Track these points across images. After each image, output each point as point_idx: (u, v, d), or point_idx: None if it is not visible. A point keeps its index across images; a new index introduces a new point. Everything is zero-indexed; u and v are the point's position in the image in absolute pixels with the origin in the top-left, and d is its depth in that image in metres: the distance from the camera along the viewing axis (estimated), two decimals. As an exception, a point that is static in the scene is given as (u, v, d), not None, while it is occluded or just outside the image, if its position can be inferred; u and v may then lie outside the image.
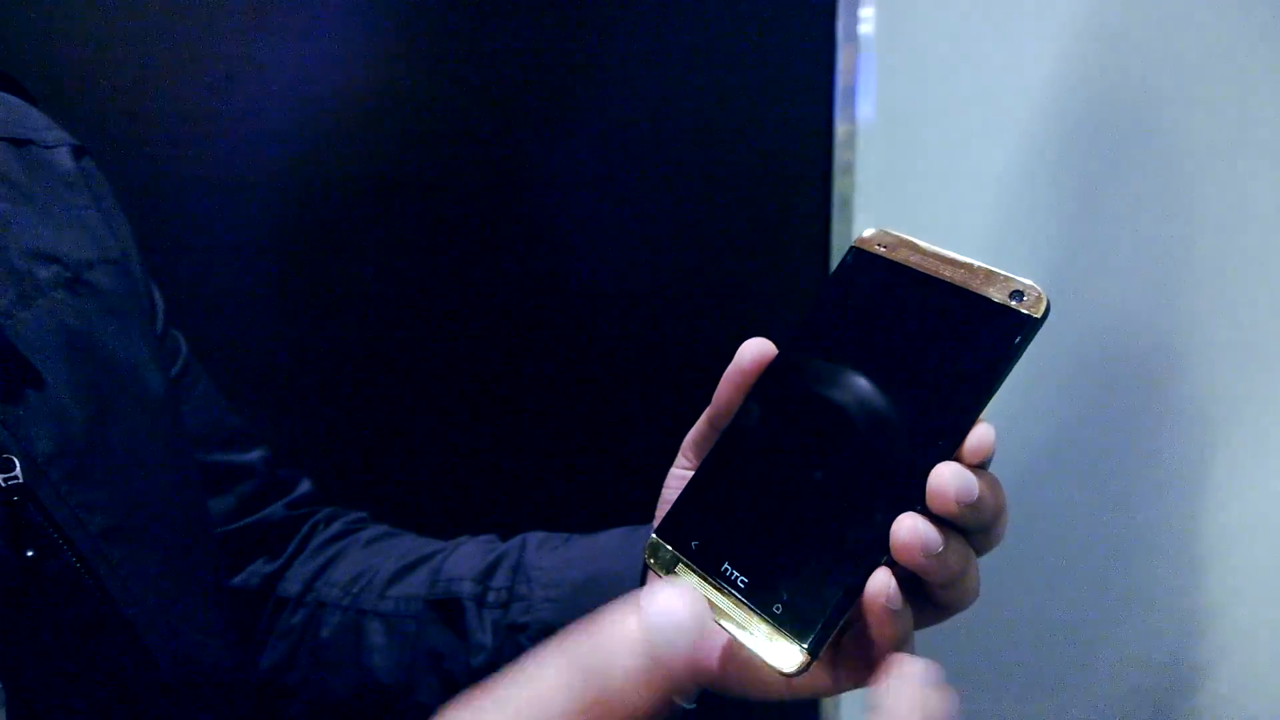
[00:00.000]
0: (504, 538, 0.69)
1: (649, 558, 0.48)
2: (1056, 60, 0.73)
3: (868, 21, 1.00)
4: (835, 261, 1.04)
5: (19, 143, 0.60)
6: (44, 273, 0.55)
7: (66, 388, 0.53)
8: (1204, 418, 0.63)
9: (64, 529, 0.50)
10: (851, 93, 1.02)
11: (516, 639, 0.61)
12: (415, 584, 0.66)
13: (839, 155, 1.03)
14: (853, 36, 1.01)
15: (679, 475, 0.53)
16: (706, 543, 0.46)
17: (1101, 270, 0.71)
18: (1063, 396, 0.71)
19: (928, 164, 0.93)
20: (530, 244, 1.03)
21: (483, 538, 0.69)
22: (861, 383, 0.45)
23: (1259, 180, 0.61)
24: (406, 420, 1.06)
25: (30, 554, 0.48)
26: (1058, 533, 0.73)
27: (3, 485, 0.48)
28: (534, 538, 0.66)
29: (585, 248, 1.04)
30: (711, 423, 0.50)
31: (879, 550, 0.41)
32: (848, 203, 1.03)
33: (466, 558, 0.66)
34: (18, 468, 0.49)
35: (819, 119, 1.03)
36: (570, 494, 1.09)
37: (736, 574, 0.44)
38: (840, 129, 1.03)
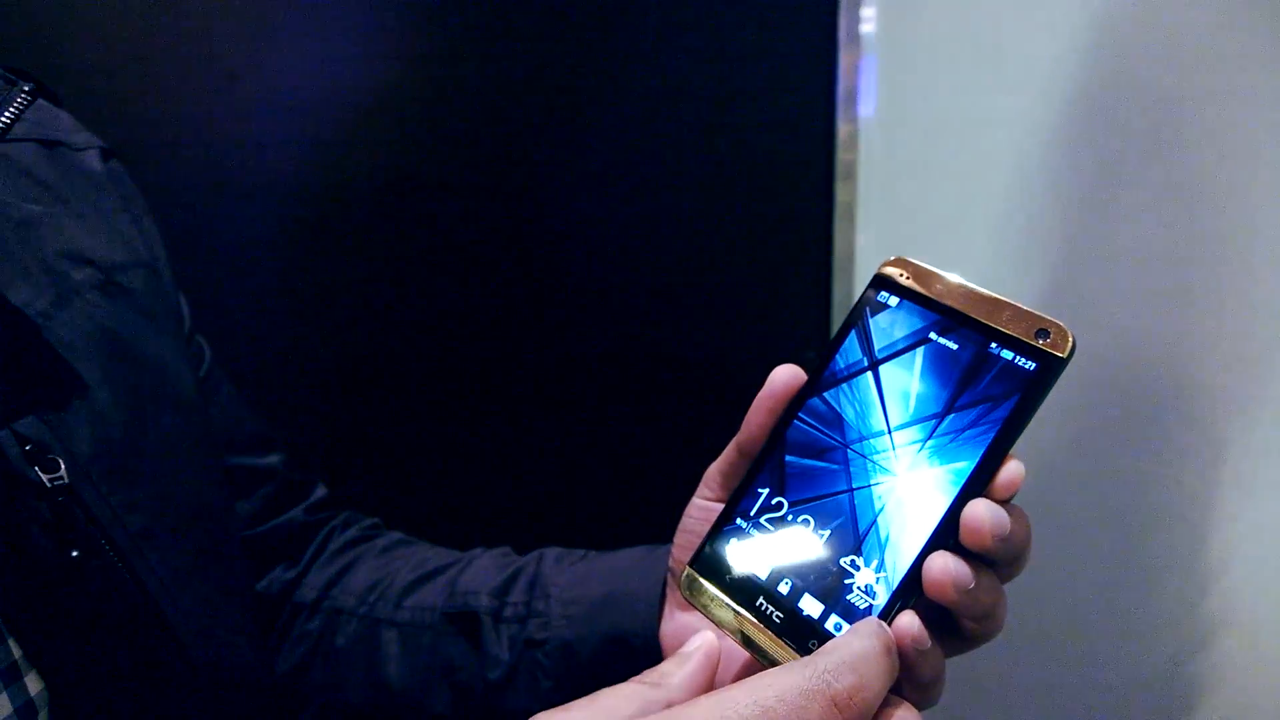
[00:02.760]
0: (517, 548, 0.69)
1: (684, 591, 0.48)
2: (1059, 61, 0.73)
3: (869, 22, 1.00)
4: (837, 263, 1.05)
5: (49, 144, 0.60)
6: (78, 274, 0.55)
7: (104, 389, 0.53)
8: (1210, 432, 0.64)
9: (106, 529, 0.50)
10: (853, 93, 1.02)
11: (533, 654, 0.62)
12: (431, 595, 0.66)
13: (840, 156, 1.03)
14: (854, 37, 1.01)
15: (701, 506, 0.53)
16: (741, 577, 0.46)
17: (1105, 275, 0.71)
18: (1070, 408, 0.72)
19: (929, 165, 0.93)
20: (533, 249, 1.03)
21: (498, 550, 0.69)
22: (890, 418, 0.46)
23: (1269, 187, 0.61)
24: (422, 428, 1.06)
25: (75, 554, 0.49)
26: (1065, 544, 0.73)
27: (48, 485, 0.48)
28: (551, 553, 0.66)
29: (585, 253, 1.04)
30: (740, 450, 0.51)
31: (912, 587, 0.42)
32: (849, 204, 1.03)
33: (483, 571, 0.66)
34: (63, 468, 0.49)
35: (821, 119, 1.03)
36: (578, 501, 1.09)
37: (771, 609, 0.45)
38: (842, 129, 1.03)
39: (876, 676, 0.38)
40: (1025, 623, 0.76)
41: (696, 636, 0.43)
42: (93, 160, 0.61)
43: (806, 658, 0.38)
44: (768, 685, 0.37)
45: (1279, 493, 0.61)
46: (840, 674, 0.37)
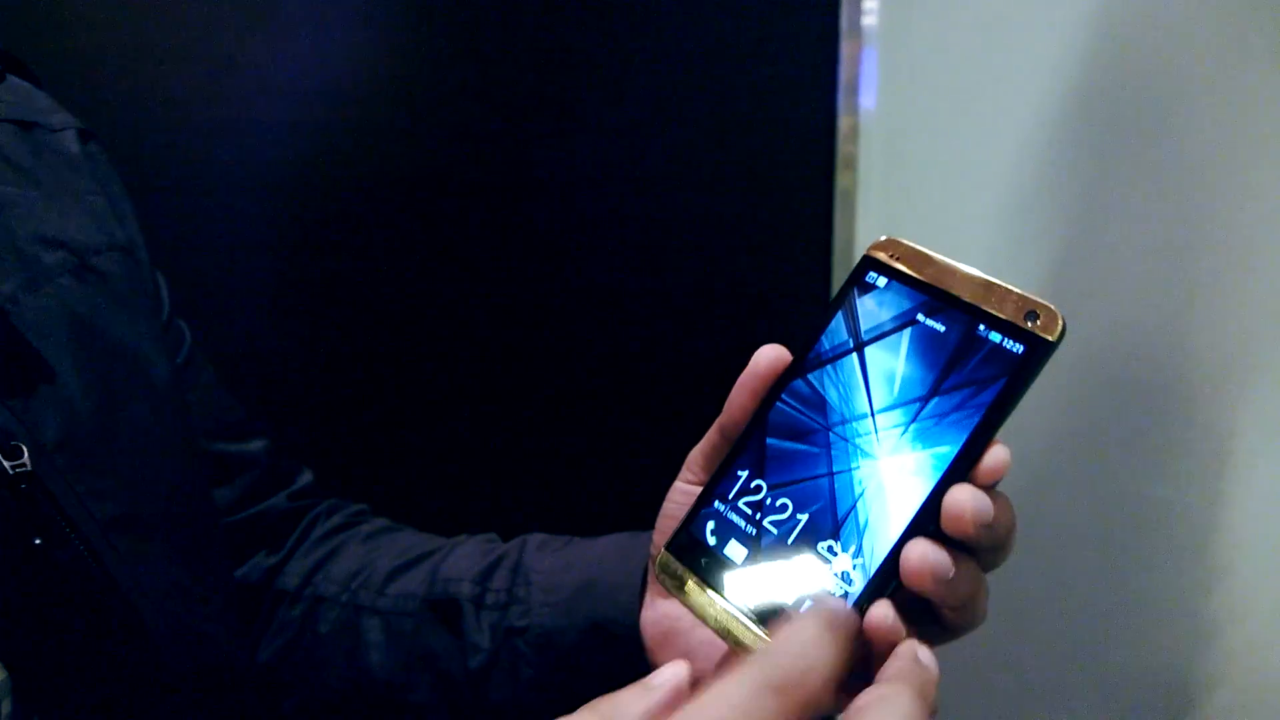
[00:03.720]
0: (503, 535, 0.69)
1: (659, 573, 0.47)
2: (1061, 53, 0.73)
3: (871, 14, 0.99)
4: (837, 255, 1.04)
5: (25, 125, 0.59)
6: (50, 258, 0.55)
7: (73, 375, 0.52)
8: (1214, 426, 0.63)
9: (71, 517, 0.49)
10: (854, 85, 1.01)
11: (514, 642, 0.61)
12: (414, 582, 0.66)
13: (841, 148, 1.02)
14: (856, 29, 1.00)
15: (683, 490, 0.52)
16: (716, 561, 0.45)
17: (1106, 268, 0.71)
18: (1070, 401, 0.71)
19: (930, 157, 0.92)
20: (530, 235, 1.03)
21: (482, 537, 0.68)
22: (874, 400, 0.45)
23: (1268, 182, 0.60)
24: (408, 415, 1.06)
25: (38, 542, 0.48)
26: (1065, 540, 0.73)
27: (11, 472, 0.47)
28: (534, 539, 0.65)
29: (585, 241, 1.04)
30: (722, 432, 0.50)
31: (890, 574, 0.41)
32: (850, 196, 1.03)
33: (466, 557, 0.65)
34: (25, 455, 0.48)
35: (822, 112, 1.02)
36: (568, 488, 1.09)
37: (746, 593, 0.44)
38: (843, 122, 1.02)
39: (821, 658, 0.36)
40: (1026, 615, 0.75)
41: (667, 668, 0.40)
42: (69, 142, 0.61)
43: (753, 655, 0.37)
44: (719, 696, 0.35)
45: (1278, 485, 0.60)
46: (781, 661, 0.35)
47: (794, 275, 1.06)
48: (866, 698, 0.36)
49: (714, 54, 1.01)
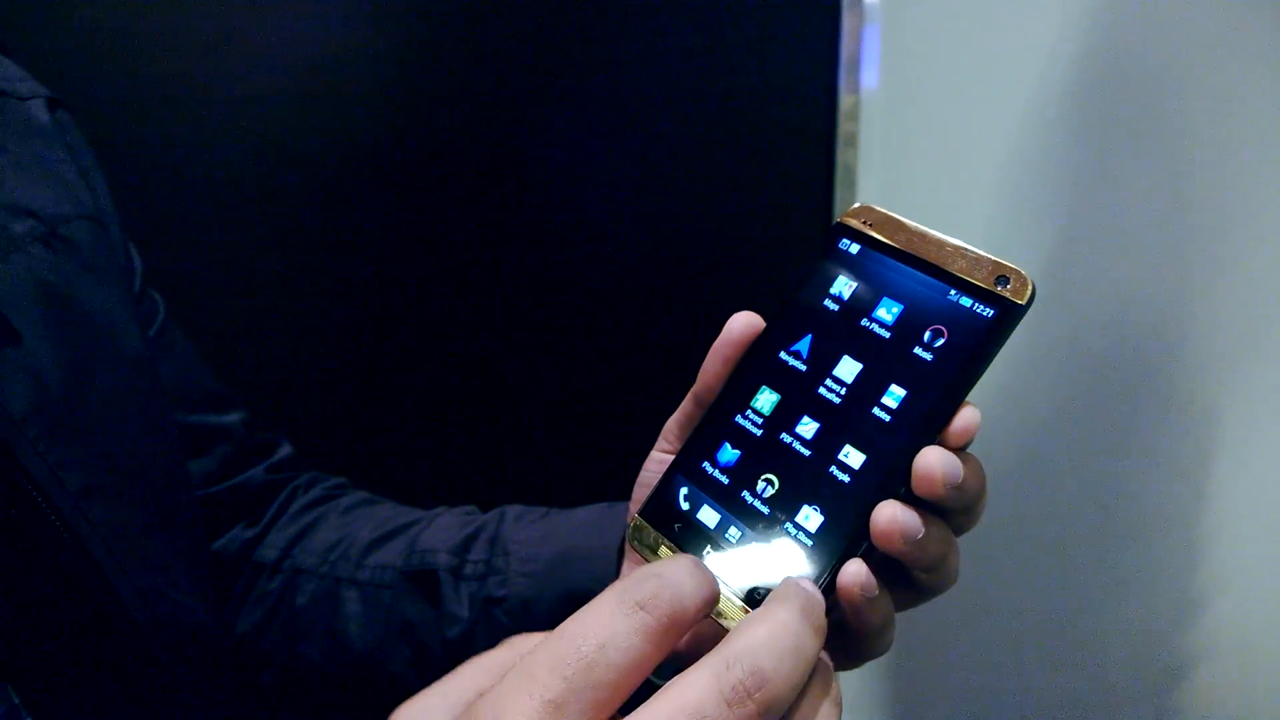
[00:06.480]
0: (482, 507, 0.68)
1: (632, 539, 0.47)
2: (1063, 32, 0.72)
3: (873, -9, 0.98)
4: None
5: None
6: (19, 227, 0.54)
7: (43, 344, 0.52)
8: (1201, 407, 0.62)
9: (42, 486, 0.49)
10: (856, 63, 1.01)
11: (492, 612, 0.61)
12: (392, 554, 0.65)
13: (842, 126, 1.02)
14: (857, 5, 1.00)
15: (659, 459, 0.52)
16: (689, 526, 0.45)
17: (1103, 250, 0.70)
18: (1059, 382, 0.70)
19: (931, 135, 0.91)
20: (522, 212, 1.02)
21: (461, 509, 0.68)
22: (846, 365, 0.44)
23: (1263, 169, 0.59)
24: (388, 388, 1.06)
25: (12, 512, 0.47)
26: (1051, 519, 0.72)
27: None
28: (512, 511, 0.65)
29: (580, 218, 1.03)
30: (697, 400, 0.50)
31: (861, 536, 0.41)
32: (851, 173, 1.02)
33: (444, 529, 0.65)
34: None
35: (823, 89, 1.02)
36: (550, 463, 1.08)
37: (719, 559, 0.44)
38: (844, 99, 1.02)
39: (789, 652, 0.33)
40: (1010, 594, 0.75)
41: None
42: (38, 110, 0.60)
43: (711, 651, 0.33)
44: (671, 700, 0.32)
45: (1270, 468, 0.59)
46: (740, 660, 0.32)
47: (793, 254, 1.05)
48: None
49: (716, 31, 1.00)
